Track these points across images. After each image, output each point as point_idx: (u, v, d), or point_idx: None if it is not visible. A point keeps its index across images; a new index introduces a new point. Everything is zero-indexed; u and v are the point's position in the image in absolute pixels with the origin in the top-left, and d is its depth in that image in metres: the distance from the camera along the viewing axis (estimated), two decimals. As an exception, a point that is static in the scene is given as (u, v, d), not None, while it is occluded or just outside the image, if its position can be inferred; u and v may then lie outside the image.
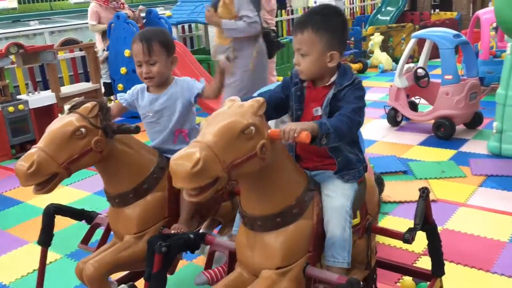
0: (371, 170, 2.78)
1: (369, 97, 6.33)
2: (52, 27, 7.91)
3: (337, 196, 1.78)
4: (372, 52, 8.21)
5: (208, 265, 1.97)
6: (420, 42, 5.41)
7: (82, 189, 4.04)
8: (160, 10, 8.19)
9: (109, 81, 6.31)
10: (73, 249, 2.97)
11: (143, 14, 6.33)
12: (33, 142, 5.11)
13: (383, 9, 10.05)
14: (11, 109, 4.96)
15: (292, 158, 1.82)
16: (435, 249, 2.04)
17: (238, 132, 1.48)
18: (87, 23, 6.42)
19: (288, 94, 1.90)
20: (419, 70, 4.90)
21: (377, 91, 6.57)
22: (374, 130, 4.99)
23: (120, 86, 6.16)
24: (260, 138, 1.53)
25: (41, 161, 1.74)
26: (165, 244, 1.74)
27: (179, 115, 2.22)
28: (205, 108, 5.39)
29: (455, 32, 4.73)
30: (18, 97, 5.27)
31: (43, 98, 5.28)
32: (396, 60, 7.78)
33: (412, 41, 4.91)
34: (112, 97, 6.54)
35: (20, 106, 5.04)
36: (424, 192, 1.92)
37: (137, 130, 1.98)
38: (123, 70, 6.00)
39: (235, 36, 3.73)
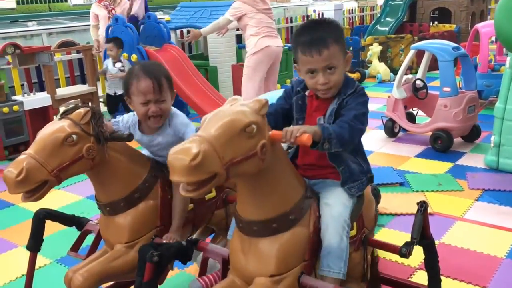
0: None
1: (366, 107, 6.31)
2: (50, 29, 7.89)
3: (336, 205, 1.76)
4: (370, 62, 8.21)
5: (202, 272, 1.93)
6: (419, 53, 5.40)
7: (75, 193, 3.98)
8: (159, 15, 8.18)
9: (112, 93, 5.95)
10: (63, 255, 2.91)
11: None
12: (27, 143, 5.06)
13: (382, 20, 10.08)
14: (5, 110, 4.91)
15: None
16: (432, 265, 2.00)
17: (239, 129, 1.45)
18: (86, 25, 6.41)
19: (291, 103, 1.91)
20: (418, 82, 4.88)
21: (374, 101, 6.53)
22: (371, 141, 4.97)
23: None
24: (261, 137, 1.50)
25: (30, 169, 1.69)
26: (157, 253, 1.69)
27: None
28: (202, 114, 5.35)
29: (454, 44, 4.72)
30: (13, 97, 5.22)
31: (38, 99, 5.23)
32: (394, 71, 7.78)
33: (411, 52, 4.90)
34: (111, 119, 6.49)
35: (15, 107, 4.99)
36: (422, 206, 1.88)
37: (129, 138, 1.93)
38: (120, 73, 5.96)
39: None
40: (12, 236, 3.36)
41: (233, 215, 1.77)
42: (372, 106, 6.26)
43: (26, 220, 3.46)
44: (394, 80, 5.02)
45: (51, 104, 5.33)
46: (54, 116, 5.47)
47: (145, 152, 2.23)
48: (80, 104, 1.91)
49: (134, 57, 5.82)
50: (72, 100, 5.94)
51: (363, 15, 12.33)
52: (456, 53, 4.58)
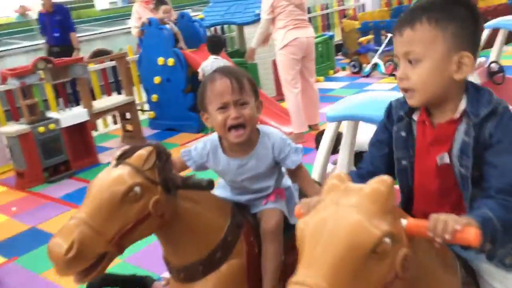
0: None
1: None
2: (79, 36, 7.59)
3: None
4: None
5: None
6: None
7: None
8: (190, 13, 7.77)
9: None
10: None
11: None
12: (67, 163, 4.74)
13: (425, -2, 9.37)
14: (41, 129, 4.59)
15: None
16: None
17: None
18: (121, 28, 6.05)
19: (390, 132, 1.35)
20: (492, 65, 4.30)
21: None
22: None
23: (154, 97, 5.77)
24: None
25: (84, 240, 1.26)
26: None
27: (268, 178, 1.71)
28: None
29: (535, 19, 4.12)
30: (49, 115, 4.91)
31: (74, 115, 4.89)
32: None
33: (485, 32, 4.30)
34: None
35: (51, 126, 4.67)
36: None
37: (210, 186, 1.47)
38: (156, 79, 5.60)
39: None
40: (58, 277, 3.00)
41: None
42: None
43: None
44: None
45: (88, 119, 4.99)
46: (92, 131, 5.14)
47: (217, 192, 1.78)
48: (140, 144, 1.45)
49: (170, 61, 5.43)
50: (110, 112, 5.60)
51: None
52: (539, 30, 3.98)
